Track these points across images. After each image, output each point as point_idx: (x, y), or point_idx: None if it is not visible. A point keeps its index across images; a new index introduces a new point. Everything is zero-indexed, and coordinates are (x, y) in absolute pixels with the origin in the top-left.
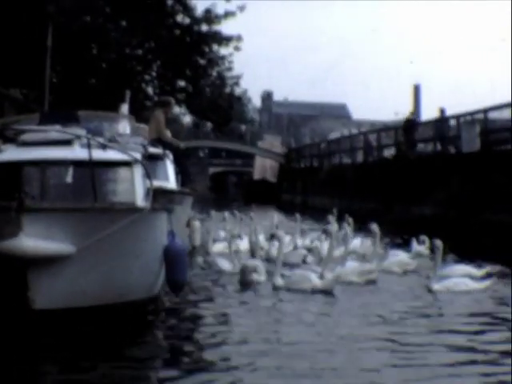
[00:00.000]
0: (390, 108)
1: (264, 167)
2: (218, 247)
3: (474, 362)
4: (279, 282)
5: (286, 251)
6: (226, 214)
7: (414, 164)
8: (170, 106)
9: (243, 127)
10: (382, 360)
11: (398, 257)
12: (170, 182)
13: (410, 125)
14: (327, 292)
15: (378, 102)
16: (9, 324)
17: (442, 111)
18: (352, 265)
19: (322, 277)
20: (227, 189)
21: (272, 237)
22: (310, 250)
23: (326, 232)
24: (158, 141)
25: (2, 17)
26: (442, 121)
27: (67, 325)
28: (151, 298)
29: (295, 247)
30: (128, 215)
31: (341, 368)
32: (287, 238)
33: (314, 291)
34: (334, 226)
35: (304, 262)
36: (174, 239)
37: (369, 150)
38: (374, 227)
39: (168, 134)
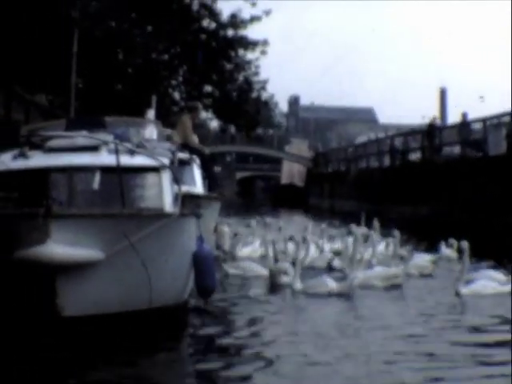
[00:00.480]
0: (417, 112)
1: (291, 171)
2: (245, 252)
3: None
4: (298, 286)
5: (313, 256)
6: (253, 221)
7: (440, 168)
8: (196, 111)
9: (270, 132)
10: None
11: (416, 260)
12: (197, 187)
13: (432, 129)
14: (344, 295)
15: (404, 105)
16: (38, 332)
17: (464, 115)
18: (378, 269)
19: (341, 280)
20: (255, 193)
21: (290, 239)
22: (338, 253)
23: (350, 232)
24: (184, 146)
25: (27, 23)
26: (464, 125)
27: (96, 331)
28: (180, 303)
29: (322, 251)
30: (157, 221)
31: None
32: (312, 245)
33: (331, 295)
34: (361, 228)
35: (330, 266)
36: (203, 244)
37: (395, 154)
38: (395, 233)
39: (195, 139)
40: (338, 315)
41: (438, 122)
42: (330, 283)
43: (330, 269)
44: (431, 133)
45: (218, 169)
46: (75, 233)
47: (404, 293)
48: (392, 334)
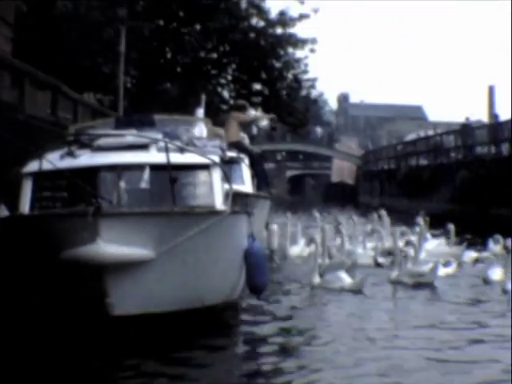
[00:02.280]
0: (466, 109)
1: (341, 169)
2: (295, 250)
3: None
4: (316, 281)
5: (357, 253)
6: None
7: (489, 165)
8: (245, 109)
9: (320, 130)
10: None
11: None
12: (246, 185)
13: (467, 129)
14: (357, 292)
15: (454, 103)
16: (88, 330)
17: (496, 116)
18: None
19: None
20: (305, 191)
21: (311, 241)
22: (390, 253)
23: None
24: (233, 145)
25: (76, 22)
26: (495, 125)
27: (147, 330)
28: (231, 301)
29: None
30: (208, 218)
31: None
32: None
33: (343, 290)
34: (421, 227)
35: (377, 263)
36: (254, 242)
37: (442, 152)
38: (450, 227)
39: (244, 138)
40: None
41: (481, 120)
42: (344, 279)
43: (377, 265)
44: (466, 132)
45: (270, 165)
46: (125, 232)
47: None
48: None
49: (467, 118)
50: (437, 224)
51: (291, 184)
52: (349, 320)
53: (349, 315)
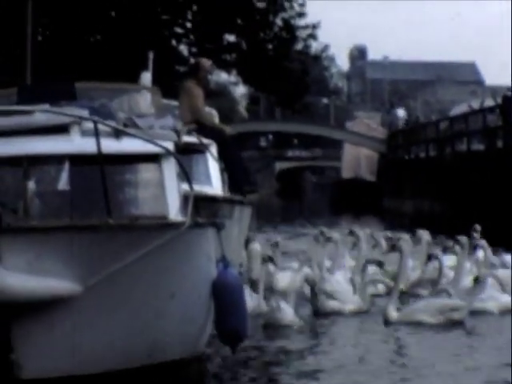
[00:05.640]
0: None
1: (357, 159)
2: (284, 280)
3: None
4: (393, 314)
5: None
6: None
7: None
8: (207, 71)
9: (324, 101)
10: None
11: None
12: (214, 185)
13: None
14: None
15: None
16: None
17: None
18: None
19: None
20: (303, 193)
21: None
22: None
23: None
24: (194, 125)
25: None
26: None
27: None
28: (195, 356)
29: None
30: (158, 235)
31: None
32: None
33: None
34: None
35: None
36: (227, 269)
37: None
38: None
39: (211, 114)
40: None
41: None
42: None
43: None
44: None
45: (251, 155)
46: (36, 255)
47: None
48: None
49: (508, 89)
50: (500, 242)
51: (282, 182)
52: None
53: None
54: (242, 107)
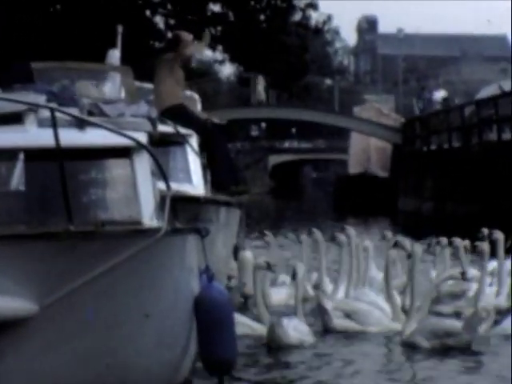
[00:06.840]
0: None
1: (366, 151)
2: (279, 296)
3: None
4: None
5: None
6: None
7: None
8: (186, 46)
9: (327, 82)
10: None
11: None
12: (195, 183)
13: None
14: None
15: None
16: None
17: None
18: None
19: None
20: (302, 191)
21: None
22: None
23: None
24: (171, 111)
25: None
26: None
27: None
28: None
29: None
30: (129, 244)
31: None
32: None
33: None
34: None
35: None
36: (212, 283)
37: None
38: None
39: (192, 99)
40: None
41: None
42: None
43: None
44: None
45: (240, 146)
46: None
47: None
48: None
49: None
50: None
51: (277, 178)
52: None
53: None
54: (260, 86)
